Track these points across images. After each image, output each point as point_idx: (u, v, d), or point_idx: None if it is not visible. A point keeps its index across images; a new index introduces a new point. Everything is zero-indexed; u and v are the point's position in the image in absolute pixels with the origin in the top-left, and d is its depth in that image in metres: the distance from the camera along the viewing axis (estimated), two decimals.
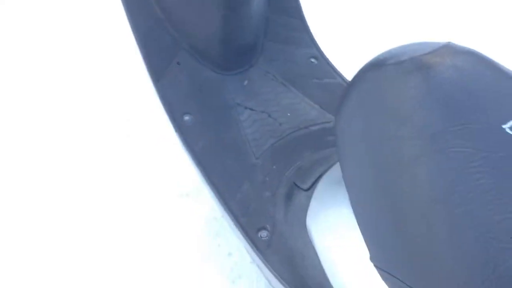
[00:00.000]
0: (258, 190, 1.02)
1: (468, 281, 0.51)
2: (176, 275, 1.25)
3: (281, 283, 0.88)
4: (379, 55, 0.67)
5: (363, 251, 0.67)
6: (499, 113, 0.56)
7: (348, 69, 1.03)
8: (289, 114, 1.13)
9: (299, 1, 1.23)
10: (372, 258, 0.64)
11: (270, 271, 0.90)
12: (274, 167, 1.05)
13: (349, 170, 0.68)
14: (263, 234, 0.96)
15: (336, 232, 0.80)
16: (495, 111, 0.57)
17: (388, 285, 0.63)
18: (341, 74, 1.21)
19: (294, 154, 1.06)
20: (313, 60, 1.22)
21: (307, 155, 1.04)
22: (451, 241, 0.53)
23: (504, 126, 0.56)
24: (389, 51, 0.66)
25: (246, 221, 0.98)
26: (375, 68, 0.65)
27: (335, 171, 0.92)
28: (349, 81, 0.68)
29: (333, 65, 1.22)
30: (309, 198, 0.92)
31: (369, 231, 0.64)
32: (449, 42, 0.61)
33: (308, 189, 0.94)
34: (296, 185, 0.98)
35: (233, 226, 1.00)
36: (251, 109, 1.14)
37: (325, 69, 1.20)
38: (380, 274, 0.64)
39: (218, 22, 1.11)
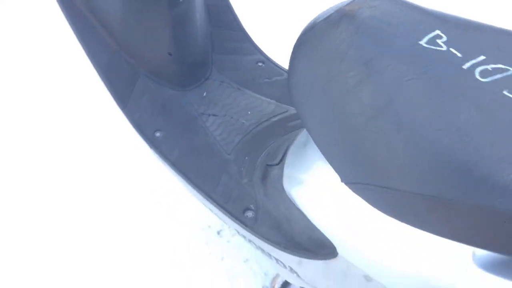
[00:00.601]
0: (236, 179, 1.12)
1: (415, 167, 0.62)
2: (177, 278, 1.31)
3: (274, 247, 0.97)
4: (311, 20, 0.80)
5: (339, 187, 0.79)
6: (414, 34, 0.70)
7: None
8: (249, 113, 1.25)
9: (236, 15, 1.38)
10: (342, 179, 0.75)
11: (262, 240, 0.99)
12: (246, 158, 1.15)
13: (306, 114, 0.80)
14: (249, 214, 1.06)
15: (312, 184, 0.91)
16: (410, 33, 0.71)
17: (362, 196, 0.74)
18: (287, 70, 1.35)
19: (262, 143, 1.17)
20: (260, 64, 1.35)
21: (274, 142, 1.16)
22: (402, 140, 0.65)
23: (420, 42, 0.70)
24: (318, 14, 0.80)
25: (231, 206, 1.08)
26: (311, 28, 0.78)
27: (299, 140, 1.04)
28: (294, 45, 0.81)
29: (279, 64, 1.36)
30: (282, 169, 1.03)
31: (334, 156, 0.75)
32: None
33: (279, 162, 1.05)
34: (268, 165, 1.09)
35: (222, 215, 1.09)
36: (214, 115, 1.26)
37: (272, 69, 1.34)
38: (353, 190, 0.75)
39: (168, 45, 1.23)
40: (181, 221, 1.42)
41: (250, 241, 1.07)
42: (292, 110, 1.25)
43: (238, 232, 1.13)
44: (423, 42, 0.70)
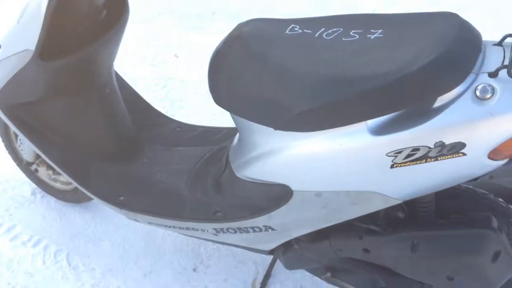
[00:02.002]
0: (197, 200, 1.44)
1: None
2: None
3: (247, 219, 1.29)
4: (214, 49, 1.23)
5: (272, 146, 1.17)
6: (280, 29, 1.16)
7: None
8: (185, 159, 1.60)
9: (145, 100, 1.77)
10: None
11: (238, 221, 1.31)
12: (197, 184, 1.49)
13: (229, 104, 1.20)
14: (218, 214, 1.38)
15: (254, 157, 1.26)
16: (278, 29, 1.16)
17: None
18: (202, 125, 1.75)
19: (204, 173, 1.52)
20: (178, 128, 1.74)
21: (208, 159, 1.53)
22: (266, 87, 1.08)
23: (285, 32, 1.16)
24: (218, 44, 1.23)
25: (203, 216, 1.39)
26: (215, 53, 1.20)
27: (232, 144, 1.41)
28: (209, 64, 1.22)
29: (191, 124, 1.76)
30: (230, 169, 1.37)
31: (260, 115, 1.14)
32: (251, 19, 1.20)
33: (225, 168, 1.40)
34: (219, 176, 1.44)
35: (198, 229, 1.39)
36: (159, 171, 1.59)
37: (188, 128, 1.73)
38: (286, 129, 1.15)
39: (106, 130, 1.57)
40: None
41: (220, 241, 1.38)
42: (215, 147, 1.62)
43: (211, 240, 1.43)
44: (287, 31, 1.16)
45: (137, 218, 1.50)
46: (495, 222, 1.16)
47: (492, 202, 1.23)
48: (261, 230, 1.30)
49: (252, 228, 1.31)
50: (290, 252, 1.35)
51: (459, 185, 1.28)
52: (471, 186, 1.30)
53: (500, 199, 1.25)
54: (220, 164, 1.46)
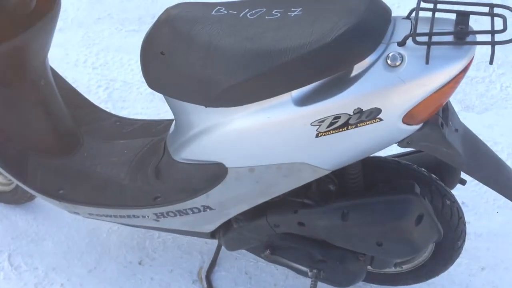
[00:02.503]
0: (137, 188, 1.46)
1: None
2: None
3: (187, 200, 1.32)
4: (146, 32, 1.26)
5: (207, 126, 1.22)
6: (206, 10, 1.20)
7: None
8: (125, 151, 1.62)
9: (86, 99, 1.77)
10: (206, 105, 1.18)
11: (177, 203, 1.34)
12: (138, 173, 1.51)
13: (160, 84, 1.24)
14: (158, 199, 1.40)
15: (191, 138, 1.29)
16: (204, 11, 1.19)
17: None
18: (142, 119, 1.77)
19: (144, 162, 1.54)
20: (118, 123, 1.75)
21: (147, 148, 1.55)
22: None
23: (211, 13, 1.20)
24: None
25: (143, 202, 1.41)
26: (147, 36, 1.23)
27: (169, 131, 1.44)
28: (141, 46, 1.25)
29: (130, 118, 1.78)
30: (167, 154, 1.40)
31: (194, 95, 1.18)
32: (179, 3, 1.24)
33: (163, 154, 1.43)
34: (158, 164, 1.46)
35: (139, 215, 1.41)
36: (100, 164, 1.59)
37: (127, 122, 1.74)
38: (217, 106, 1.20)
39: (42, 123, 1.56)
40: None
41: (162, 227, 1.40)
42: (155, 138, 1.65)
43: (154, 228, 1.45)
44: (213, 12, 1.21)
45: (77, 211, 1.50)
46: (417, 188, 1.23)
47: (415, 171, 1.31)
48: (200, 210, 1.33)
49: (191, 209, 1.34)
50: (230, 232, 1.39)
51: (385, 158, 1.37)
52: (396, 159, 1.39)
53: (423, 169, 1.33)
54: (160, 152, 1.48)
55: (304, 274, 1.38)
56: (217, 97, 1.13)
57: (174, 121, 1.40)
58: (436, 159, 1.41)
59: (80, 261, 1.69)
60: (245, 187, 1.25)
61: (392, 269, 1.49)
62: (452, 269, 1.51)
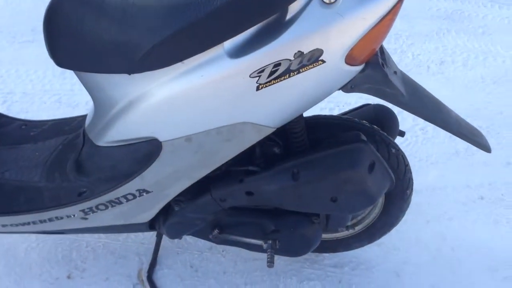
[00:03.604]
0: (56, 188, 1.28)
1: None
2: None
3: (118, 187, 1.17)
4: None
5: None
6: None
7: None
8: (37, 153, 1.42)
9: None
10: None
11: (106, 194, 1.18)
12: (55, 172, 1.32)
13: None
14: (84, 194, 1.23)
15: (113, 119, 1.14)
16: None
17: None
18: (51, 119, 1.58)
19: (62, 160, 1.36)
20: (23, 126, 1.54)
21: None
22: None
23: None
24: None
25: (66, 200, 1.23)
26: (49, 8, 1.07)
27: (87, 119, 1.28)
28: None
29: (37, 120, 1.58)
30: (88, 142, 1.24)
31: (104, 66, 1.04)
32: None
33: (83, 144, 1.26)
34: (67, 156, 1.29)
35: (63, 216, 1.23)
36: (6, 170, 1.39)
37: (34, 124, 1.55)
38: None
39: None
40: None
41: (92, 226, 1.23)
42: (70, 135, 1.47)
43: (82, 230, 1.28)
44: None
45: None
46: (363, 137, 1.18)
47: (357, 124, 1.26)
48: (134, 196, 1.18)
49: (125, 197, 1.19)
50: (172, 217, 1.25)
51: (324, 115, 1.31)
52: (336, 115, 1.33)
53: (364, 121, 1.29)
54: (79, 145, 1.31)
55: (258, 249, 1.28)
56: (141, 60, 1.00)
57: (92, 105, 1.24)
58: (375, 113, 1.40)
59: None
60: (184, 160, 1.12)
61: (345, 232, 1.43)
62: (398, 227, 1.49)
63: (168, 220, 1.25)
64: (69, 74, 2.36)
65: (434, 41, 2.62)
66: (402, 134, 1.43)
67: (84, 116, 1.52)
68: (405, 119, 2.01)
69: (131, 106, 1.09)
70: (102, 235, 1.60)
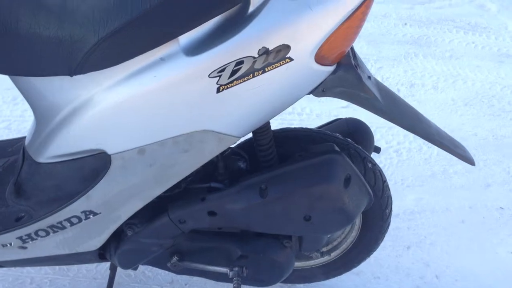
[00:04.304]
0: None
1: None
2: None
3: (62, 209, 1.02)
4: None
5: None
6: None
7: None
8: None
9: None
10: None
11: (48, 217, 1.02)
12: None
13: None
14: (23, 219, 1.07)
15: (53, 133, 1.00)
16: None
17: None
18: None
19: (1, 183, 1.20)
20: None
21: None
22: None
23: None
24: None
25: (3, 229, 1.07)
26: None
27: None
28: None
29: None
30: (28, 162, 1.08)
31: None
32: None
33: (22, 166, 1.11)
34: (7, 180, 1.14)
35: (0, 249, 1.07)
36: None
37: None
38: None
39: None
40: None
41: (32, 256, 1.08)
42: (12, 157, 1.31)
43: (20, 263, 1.11)
44: None
45: None
46: (337, 148, 1.07)
47: (330, 136, 1.16)
48: (80, 219, 1.03)
49: (69, 220, 1.03)
50: (124, 244, 1.10)
51: (294, 128, 1.20)
52: (306, 127, 1.23)
53: (337, 134, 1.18)
54: (18, 165, 1.15)
55: (224, 277, 1.13)
56: (85, 58, 0.88)
57: (33, 119, 1.10)
58: (347, 127, 1.30)
59: None
60: (136, 175, 0.99)
61: (320, 259, 1.29)
62: (377, 253, 1.39)
63: (120, 247, 1.10)
64: (20, 100, 2.20)
65: (402, 64, 2.59)
66: (377, 150, 1.33)
67: None
68: (377, 140, 1.92)
69: (74, 114, 0.95)
70: (49, 270, 1.42)
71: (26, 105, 2.20)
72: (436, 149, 1.97)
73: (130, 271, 1.42)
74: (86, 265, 1.44)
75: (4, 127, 2.06)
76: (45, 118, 1.01)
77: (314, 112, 2.18)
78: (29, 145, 1.08)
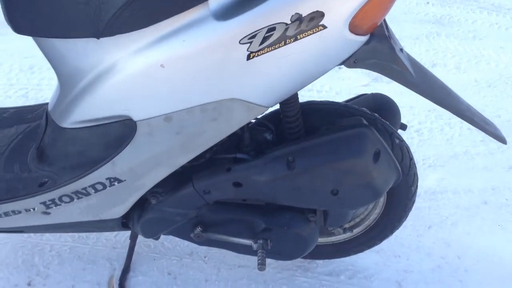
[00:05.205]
0: (14, 178, 1.11)
1: None
2: None
3: (87, 175, 1.01)
4: None
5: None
6: None
7: None
8: None
9: None
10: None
11: (72, 182, 1.02)
12: (15, 162, 1.16)
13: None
14: (46, 184, 1.06)
15: (81, 98, 0.99)
16: None
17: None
18: (12, 107, 1.42)
19: (22, 149, 1.20)
20: None
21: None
22: None
23: None
24: None
25: (25, 191, 1.06)
26: None
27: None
28: None
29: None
30: (51, 127, 1.07)
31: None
32: None
33: (45, 129, 1.09)
34: (29, 145, 1.13)
35: (22, 214, 1.06)
36: None
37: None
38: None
39: None
40: None
41: (56, 222, 1.07)
42: (33, 123, 1.30)
43: (43, 228, 1.11)
44: None
45: None
46: (366, 122, 1.05)
47: (356, 110, 1.13)
48: (105, 186, 1.02)
49: (93, 187, 1.02)
50: (148, 212, 1.09)
51: (320, 101, 1.17)
52: (333, 101, 1.20)
53: (363, 108, 1.16)
54: (41, 131, 1.14)
55: (247, 250, 1.12)
56: (113, 19, 0.85)
57: (57, 83, 1.09)
58: (374, 102, 1.27)
59: None
60: (162, 143, 0.97)
61: (342, 235, 1.28)
62: (398, 232, 1.36)
63: (144, 216, 1.09)
64: (37, 69, 2.19)
65: (424, 44, 2.54)
66: (403, 127, 1.30)
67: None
68: None
69: (100, 78, 0.94)
70: (68, 237, 1.42)
71: (43, 74, 2.20)
72: (458, 130, 1.94)
73: (149, 242, 1.41)
74: (106, 234, 1.44)
75: (22, 95, 2.05)
76: (69, 83, 0.99)
77: (334, 90, 2.15)
78: (52, 110, 1.07)
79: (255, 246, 1.07)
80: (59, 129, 1.04)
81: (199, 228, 1.10)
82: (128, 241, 1.39)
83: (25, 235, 1.43)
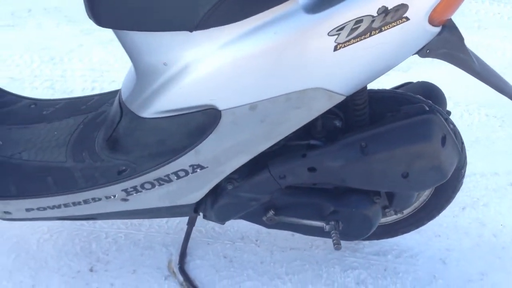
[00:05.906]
0: (88, 168, 1.14)
1: None
2: None
3: (167, 164, 1.04)
4: None
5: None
6: None
7: None
8: (56, 133, 1.28)
9: None
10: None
11: (154, 170, 1.05)
12: (83, 152, 1.18)
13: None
14: (123, 171, 1.10)
15: (163, 89, 1.02)
16: None
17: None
18: (64, 98, 1.44)
19: (86, 138, 1.22)
20: (32, 106, 1.39)
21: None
22: None
23: None
24: None
25: (103, 180, 1.10)
26: None
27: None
28: None
29: (50, 98, 1.43)
30: (128, 116, 1.10)
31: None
32: None
33: (120, 118, 1.12)
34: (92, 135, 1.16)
35: (102, 201, 1.09)
36: (22, 150, 1.23)
37: (45, 103, 1.40)
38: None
39: None
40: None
41: (131, 209, 1.12)
42: (90, 114, 1.33)
43: (117, 215, 1.16)
44: None
45: (9, 210, 1.13)
46: (428, 108, 1.11)
47: (413, 98, 1.19)
48: (187, 173, 1.06)
49: (176, 173, 1.06)
50: (223, 198, 1.14)
51: (377, 89, 1.23)
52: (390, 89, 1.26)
53: (418, 96, 1.22)
54: (115, 119, 1.17)
55: (317, 231, 1.17)
56: (209, 13, 0.89)
57: (129, 72, 1.12)
58: (422, 90, 1.33)
59: (10, 282, 1.28)
60: (246, 131, 1.01)
61: (393, 216, 1.35)
62: None
63: (219, 201, 1.14)
64: (59, 59, 2.20)
65: None
66: (449, 113, 1.36)
67: (102, 95, 1.39)
68: None
69: (188, 70, 0.97)
70: (122, 225, 1.46)
71: (65, 66, 2.21)
72: (477, 116, 2.03)
73: (201, 228, 1.46)
74: (157, 221, 1.48)
75: (48, 86, 2.06)
76: (150, 74, 1.03)
77: None
78: (129, 100, 1.10)
79: (327, 228, 1.13)
80: (138, 118, 1.07)
81: (272, 211, 1.15)
82: (180, 226, 1.43)
83: (78, 223, 1.46)
